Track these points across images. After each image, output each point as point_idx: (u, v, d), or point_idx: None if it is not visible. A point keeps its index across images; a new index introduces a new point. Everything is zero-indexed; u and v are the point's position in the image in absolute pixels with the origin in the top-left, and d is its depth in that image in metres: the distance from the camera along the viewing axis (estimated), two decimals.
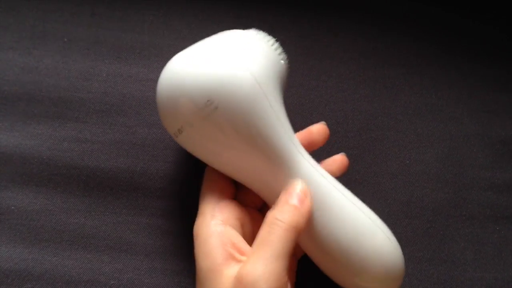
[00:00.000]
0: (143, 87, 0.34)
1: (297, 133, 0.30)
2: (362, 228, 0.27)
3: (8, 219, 0.31)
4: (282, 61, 0.28)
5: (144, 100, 0.34)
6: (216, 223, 0.26)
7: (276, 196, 0.26)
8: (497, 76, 0.38)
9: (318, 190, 0.27)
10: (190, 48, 0.27)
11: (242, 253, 0.25)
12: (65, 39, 0.35)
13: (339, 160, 0.30)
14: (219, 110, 0.25)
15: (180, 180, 0.33)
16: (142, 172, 0.33)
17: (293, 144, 0.27)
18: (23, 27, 0.35)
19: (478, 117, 0.36)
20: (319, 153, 0.31)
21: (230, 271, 0.24)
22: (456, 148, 0.36)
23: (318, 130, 0.30)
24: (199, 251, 0.26)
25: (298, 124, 0.35)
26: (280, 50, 0.28)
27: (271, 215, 0.25)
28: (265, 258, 0.23)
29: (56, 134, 0.33)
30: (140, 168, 0.33)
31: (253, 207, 0.30)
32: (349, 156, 0.34)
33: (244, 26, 0.29)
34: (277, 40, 0.28)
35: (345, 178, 0.31)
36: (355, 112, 0.36)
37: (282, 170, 0.26)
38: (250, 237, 0.28)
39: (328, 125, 0.35)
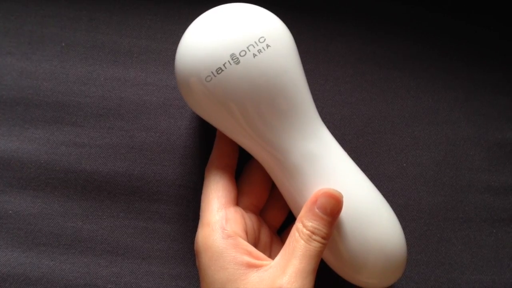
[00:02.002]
0: (140, 91, 0.34)
1: None
2: (366, 217, 0.27)
3: (6, 223, 0.32)
4: None
5: (142, 104, 0.34)
6: (227, 235, 0.25)
7: (289, 160, 0.26)
8: (493, 79, 0.38)
9: (329, 171, 0.27)
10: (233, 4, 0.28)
11: (259, 259, 0.25)
12: (63, 44, 0.35)
13: None
14: (271, 48, 0.26)
15: (177, 184, 0.33)
16: (139, 176, 0.33)
17: (316, 113, 0.28)
18: (21, 32, 0.35)
19: (474, 120, 0.37)
20: None
21: (253, 278, 0.24)
22: (453, 151, 0.36)
23: None
24: (212, 264, 0.25)
25: None
26: None
27: (307, 231, 0.25)
28: (304, 272, 0.24)
29: (53, 138, 0.33)
30: (137, 172, 0.33)
31: (255, 211, 0.30)
32: None
33: None
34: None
35: None
36: (352, 115, 0.36)
37: (304, 132, 0.27)
38: (254, 243, 0.27)
39: None
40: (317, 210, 0.25)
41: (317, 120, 0.28)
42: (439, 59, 0.38)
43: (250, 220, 0.28)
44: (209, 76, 0.25)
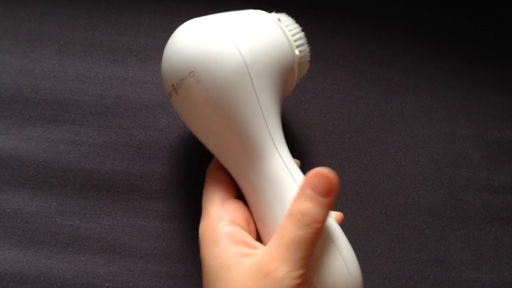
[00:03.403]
0: (139, 89, 0.34)
1: None
2: (321, 250, 0.25)
3: (3, 221, 0.31)
4: (297, 52, 0.27)
5: (141, 103, 0.34)
6: (224, 224, 0.25)
7: (247, 179, 0.26)
8: (492, 78, 0.38)
9: (280, 189, 0.25)
10: (200, 18, 0.27)
11: (254, 248, 0.25)
12: (62, 42, 0.35)
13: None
14: (200, 83, 0.24)
15: (176, 182, 0.33)
16: (138, 174, 0.33)
17: (271, 136, 0.26)
18: (19, 30, 0.35)
19: (473, 118, 0.37)
20: (314, 154, 0.31)
21: (244, 264, 0.24)
22: (452, 149, 0.36)
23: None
24: (209, 252, 0.25)
25: (293, 125, 0.35)
26: (301, 41, 0.27)
27: (298, 214, 0.23)
28: (293, 259, 0.23)
29: (52, 136, 0.33)
30: (136, 170, 0.33)
31: None
32: (345, 157, 0.34)
33: None
34: (303, 30, 0.28)
35: (341, 179, 0.31)
36: (351, 113, 0.36)
37: (255, 158, 0.26)
38: (255, 234, 0.27)
39: (324, 127, 0.35)
40: (308, 191, 0.24)
41: (267, 148, 0.26)
42: (438, 58, 0.38)
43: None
44: (168, 94, 0.27)
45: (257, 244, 0.26)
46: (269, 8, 0.36)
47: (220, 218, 0.26)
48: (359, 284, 0.25)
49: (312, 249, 0.24)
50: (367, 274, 0.32)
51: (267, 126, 0.26)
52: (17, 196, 0.32)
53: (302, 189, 0.24)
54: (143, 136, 0.34)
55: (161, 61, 0.35)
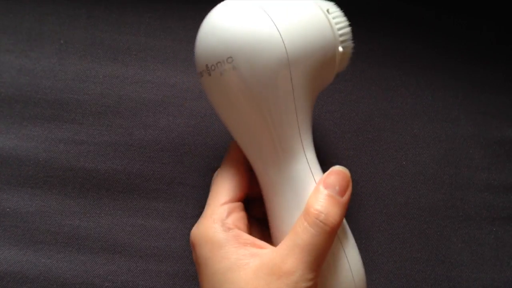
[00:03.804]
0: (139, 89, 0.34)
1: None
2: (333, 263, 0.24)
3: (3, 221, 0.31)
4: (340, 48, 0.25)
5: (141, 102, 0.34)
6: (228, 227, 0.25)
7: (267, 175, 0.25)
8: (492, 77, 0.38)
9: (301, 192, 0.25)
10: None
11: (262, 247, 0.24)
12: (62, 41, 0.35)
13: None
14: (237, 71, 0.23)
15: (176, 182, 0.33)
16: (138, 174, 0.33)
17: (300, 137, 0.25)
18: (19, 30, 0.35)
19: (474, 118, 0.36)
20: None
21: (253, 264, 0.23)
22: (453, 149, 0.36)
23: None
24: (214, 255, 0.24)
25: None
26: (346, 36, 0.25)
27: (314, 212, 0.23)
28: (307, 262, 0.22)
29: (52, 136, 0.33)
30: (136, 169, 0.33)
31: (260, 218, 0.29)
32: (346, 157, 0.34)
33: None
34: (350, 25, 0.26)
35: None
36: (352, 113, 0.36)
37: (281, 157, 0.25)
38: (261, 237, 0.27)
39: (325, 126, 0.35)
40: (325, 189, 0.23)
41: (296, 149, 0.25)
42: (439, 58, 0.38)
43: (254, 221, 0.28)
44: (200, 73, 0.25)
45: (265, 244, 0.25)
46: None
47: (222, 220, 0.25)
48: None
49: (327, 251, 0.23)
50: (368, 273, 0.32)
51: (298, 126, 0.25)
52: (17, 196, 0.32)
53: (319, 188, 0.24)
54: (143, 135, 0.33)
55: (161, 61, 0.35)
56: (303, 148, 0.25)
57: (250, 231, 0.27)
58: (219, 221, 0.25)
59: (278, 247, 0.23)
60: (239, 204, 0.27)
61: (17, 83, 0.34)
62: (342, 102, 0.36)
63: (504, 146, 0.36)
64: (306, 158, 0.25)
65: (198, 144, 0.34)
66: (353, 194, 0.33)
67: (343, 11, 0.26)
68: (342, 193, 0.23)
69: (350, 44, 0.26)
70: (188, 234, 0.32)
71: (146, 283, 0.31)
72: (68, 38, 0.35)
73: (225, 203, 0.26)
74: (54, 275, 0.31)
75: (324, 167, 0.31)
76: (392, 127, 0.36)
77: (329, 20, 0.25)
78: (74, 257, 0.31)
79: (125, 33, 0.35)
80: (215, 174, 0.28)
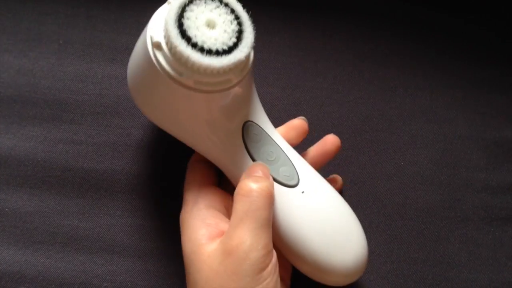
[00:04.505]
0: None
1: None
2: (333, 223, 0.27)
3: (2, 221, 0.31)
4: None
5: None
6: (198, 208, 0.26)
7: (235, 169, 0.27)
8: (491, 77, 0.38)
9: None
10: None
11: (225, 230, 0.26)
12: (61, 41, 0.35)
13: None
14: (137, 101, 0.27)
15: (175, 181, 0.33)
16: (136, 174, 0.33)
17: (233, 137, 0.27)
18: (18, 30, 0.35)
19: (472, 118, 0.37)
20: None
21: (212, 246, 0.24)
22: (451, 149, 0.36)
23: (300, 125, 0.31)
24: (183, 237, 0.26)
25: None
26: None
27: (245, 187, 0.25)
28: (252, 229, 0.24)
29: (51, 136, 0.33)
30: (135, 169, 0.33)
31: None
32: (344, 157, 0.34)
33: None
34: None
35: None
36: (350, 113, 0.36)
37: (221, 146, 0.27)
38: None
39: (323, 127, 0.35)
40: (249, 175, 0.26)
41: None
42: (437, 58, 0.38)
43: (232, 199, 0.28)
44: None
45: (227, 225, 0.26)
46: (267, 8, 0.36)
47: (195, 203, 0.27)
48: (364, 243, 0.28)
49: (269, 215, 0.25)
50: (366, 273, 0.32)
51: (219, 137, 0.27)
52: (15, 196, 0.32)
53: (254, 171, 0.26)
54: (142, 135, 0.34)
55: None
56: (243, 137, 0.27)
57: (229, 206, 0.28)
58: (191, 203, 0.27)
59: (237, 228, 0.24)
60: (215, 187, 0.28)
61: (15, 83, 0.34)
62: (340, 102, 0.36)
63: (502, 146, 0.36)
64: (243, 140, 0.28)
65: None
66: (351, 195, 0.34)
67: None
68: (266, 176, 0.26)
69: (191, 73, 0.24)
70: None
71: (145, 283, 0.31)
72: (67, 38, 0.35)
73: (199, 186, 0.28)
74: (52, 275, 0.31)
75: (323, 167, 0.31)
76: (390, 127, 0.36)
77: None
78: (73, 257, 0.31)
79: (123, 33, 0.36)
80: (188, 163, 0.30)
